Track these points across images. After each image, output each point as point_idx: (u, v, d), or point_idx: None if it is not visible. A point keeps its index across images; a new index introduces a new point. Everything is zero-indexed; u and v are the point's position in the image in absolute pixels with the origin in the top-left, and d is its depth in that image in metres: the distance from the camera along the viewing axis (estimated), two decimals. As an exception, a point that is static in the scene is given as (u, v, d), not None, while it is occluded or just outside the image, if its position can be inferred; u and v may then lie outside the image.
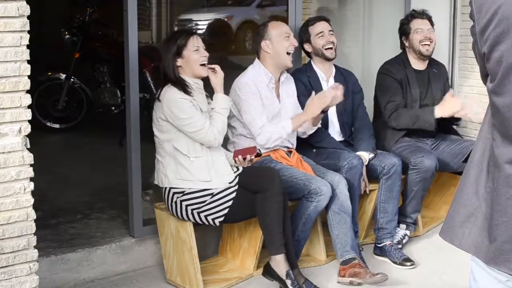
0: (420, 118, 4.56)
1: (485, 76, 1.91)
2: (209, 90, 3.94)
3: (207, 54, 3.86)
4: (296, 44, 4.33)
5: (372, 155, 4.44)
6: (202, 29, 8.81)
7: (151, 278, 4.04)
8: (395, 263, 4.28)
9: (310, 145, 4.49)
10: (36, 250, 3.08)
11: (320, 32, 4.53)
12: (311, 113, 4.13)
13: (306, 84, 4.53)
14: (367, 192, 4.43)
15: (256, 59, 4.32)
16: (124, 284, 3.95)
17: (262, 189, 3.68)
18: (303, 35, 4.60)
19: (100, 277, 3.96)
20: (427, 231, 4.65)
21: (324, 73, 4.60)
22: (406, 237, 4.50)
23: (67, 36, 7.56)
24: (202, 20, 9.02)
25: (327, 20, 4.62)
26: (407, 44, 4.77)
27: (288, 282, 3.71)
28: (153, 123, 3.83)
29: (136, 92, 4.07)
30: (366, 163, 4.39)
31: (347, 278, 3.92)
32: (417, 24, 4.71)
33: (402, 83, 4.67)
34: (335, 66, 4.67)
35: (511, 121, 1.80)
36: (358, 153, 4.40)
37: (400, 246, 4.39)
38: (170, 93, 3.73)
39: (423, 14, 4.76)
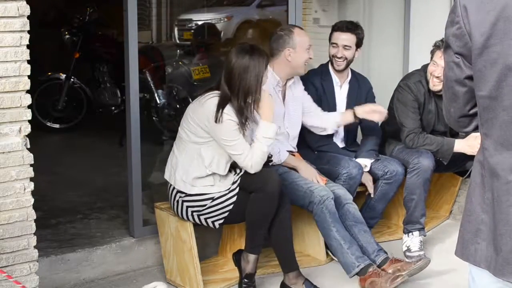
0: (439, 151, 4.41)
1: (460, 83, 1.90)
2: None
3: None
4: (312, 56, 4.26)
5: (373, 160, 4.46)
6: (202, 29, 8.81)
7: (151, 278, 4.03)
8: None
9: (311, 149, 4.49)
10: (36, 250, 3.08)
11: (335, 43, 4.48)
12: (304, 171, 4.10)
13: (318, 88, 4.49)
14: (371, 194, 4.47)
15: None
16: (124, 284, 3.95)
17: (259, 189, 3.66)
18: (330, 33, 4.55)
19: (100, 277, 3.96)
20: (428, 231, 4.64)
21: (339, 78, 4.57)
22: (422, 243, 4.42)
23: (67, 36, 7.56)
24: (202, 20, 9.01)
25: (354, 32, 4.46)
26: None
27: (244, 281, 3.75)
28: (185, 122, 3.72)
29: (136, 92, 4.07)
30: (367, 170, 4.42)
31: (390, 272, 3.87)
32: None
33: (420, 106, 4.53)
34: (351, 70, 4.62)
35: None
36: (359, 159, 4.41)
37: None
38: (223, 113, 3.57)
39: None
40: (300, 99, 4.34)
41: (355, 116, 4.35)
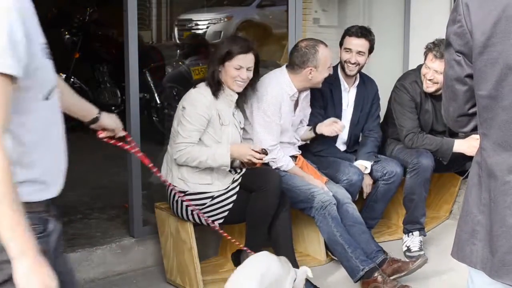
0: (438, 151, 4.42)
1: (460, 81, 1.89)
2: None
3: (246, 77, 3.75)
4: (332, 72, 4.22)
5: (373, 162, 4.47)
6: (202, 29, 8.82)
7: (151, 278, 4.04)
8: None
9: (310, 152, 4.48)
10: (36, 250, 3.07)
11: (349, 48, 4.43)
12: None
13: (325, 93, 4.42)
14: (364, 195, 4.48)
15: (285, 68, 4.14)
16: (124, 284, 3.95)
17: (259, 188, 3.67)
18: (342, 38, 4.51)
19: (100, 277, 3.96)
20: (427, 231, 4.65)
21: (348, 83, 4.53)
22: (421, 243, 4.46)
23: (67, 36, 7.56)
24: (202, 20, 9.01)
25: (368, 38, 4.42)
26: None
27: None
28: (176, 113, 3.79)
29: (136, 92, 4.07)
30: (368, 172, 4.43)
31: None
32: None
33: (416, 106, 4.52)
34: (360, 73, 4.55)
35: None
36: (360, 161, 4.42)
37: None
38: (197, 92, 3.72)
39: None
40: (308, 108, 4.35)
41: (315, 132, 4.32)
